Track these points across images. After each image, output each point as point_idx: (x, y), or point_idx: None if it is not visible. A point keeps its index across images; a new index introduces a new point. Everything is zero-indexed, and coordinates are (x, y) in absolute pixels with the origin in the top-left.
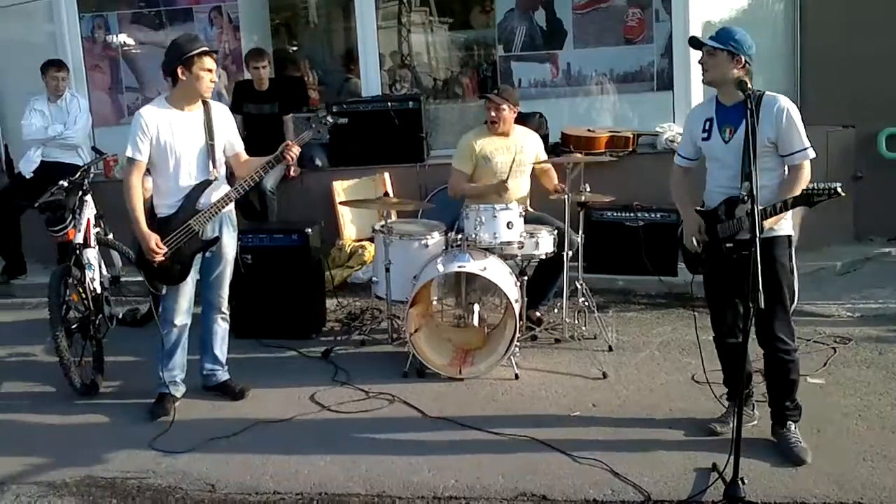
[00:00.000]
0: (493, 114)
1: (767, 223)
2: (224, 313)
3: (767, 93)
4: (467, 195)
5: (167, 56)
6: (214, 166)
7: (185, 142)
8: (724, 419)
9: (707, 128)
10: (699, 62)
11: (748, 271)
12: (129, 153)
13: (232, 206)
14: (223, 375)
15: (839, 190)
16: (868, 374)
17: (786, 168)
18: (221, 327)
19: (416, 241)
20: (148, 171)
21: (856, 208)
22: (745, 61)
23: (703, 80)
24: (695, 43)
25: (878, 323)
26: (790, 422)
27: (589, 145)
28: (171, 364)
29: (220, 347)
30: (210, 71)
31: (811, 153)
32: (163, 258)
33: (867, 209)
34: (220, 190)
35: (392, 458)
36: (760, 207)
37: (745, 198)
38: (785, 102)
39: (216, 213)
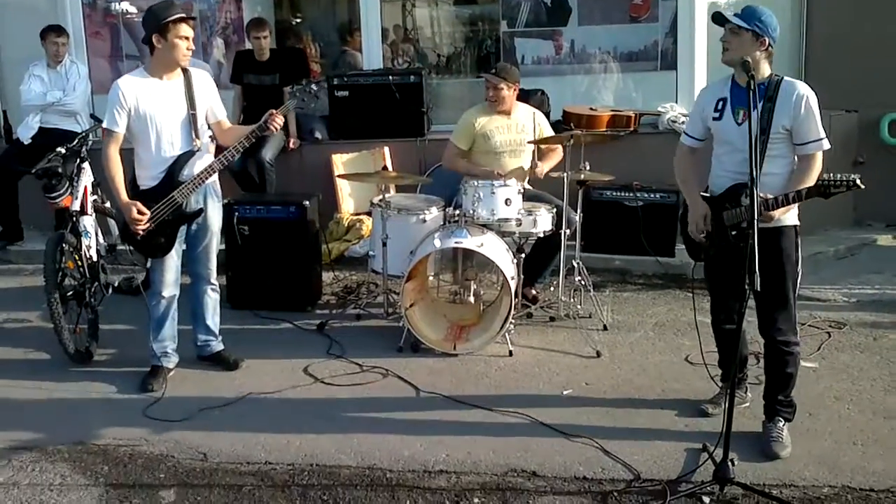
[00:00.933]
0: (491, 93)
1: (777, 213)
2: (213, 284)
3: (786, 78)
4: (460, 171)
5: (143, 24)
6: (197, 136)
7: (166, 112)
8: (716, 400)
9: (720, 107)
10: (721, 39)
11: (760, 258)
12: (105, 124)
13: (216, 176)
14: (217, 346)
15: (858, 182)
16: (861, 359)
17: (795, 157)
18: (212, 298)
19: (414, 216)
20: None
21: (855, 193)
22: (769, 43)
23: (722, 59)
24: (719, 19)
25: (874, 308)
26: (779, 417)
27: (590, 124)
28: (161, 335)
29: (213, 318)
30: (186, 38)
31: (826, 144)
32: (145, 228)
33: (867, 195)
34: (204, 160)
35: (384, 432)
36: (772, 196)
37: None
38: (804, 90)
39: (199, 184)
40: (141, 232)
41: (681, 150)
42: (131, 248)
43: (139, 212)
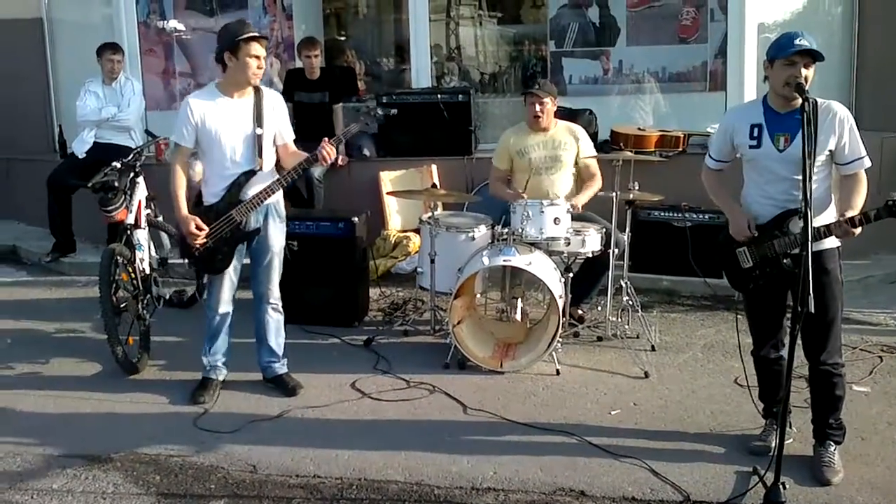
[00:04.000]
0: (537, 108)
1: (859, 230)
2: (274, 304)
3: (820, 100)
4: (499, 197)
5: (218, 42)
6: (260, 156)
7: (232, 130)
8: (763, 437)
9: (756, 134)
10: (806, 77)
11: (806, 272)
12: (174, 138)
13: (279, 197)
14: (280, 369)
15: None
16: None
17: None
18: (273, 318)
19: (463, 234)
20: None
21: None
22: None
23: (806, 94)
24: (814, 56)
25: None
26: (830, 441)
27: (639, 144)
28: (214, 349)
29: (275, 339)
30: (257, 57)
31: (867, 162)
32: (202, 243)
33: None
34: (267, 181)
35: (431, 448)
36: (849, 215)
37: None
38: (843, 110)
39: (257, 204)
40: (198, 246)
41: (705, 174)
42: (189, 262)
43: (197, 227)
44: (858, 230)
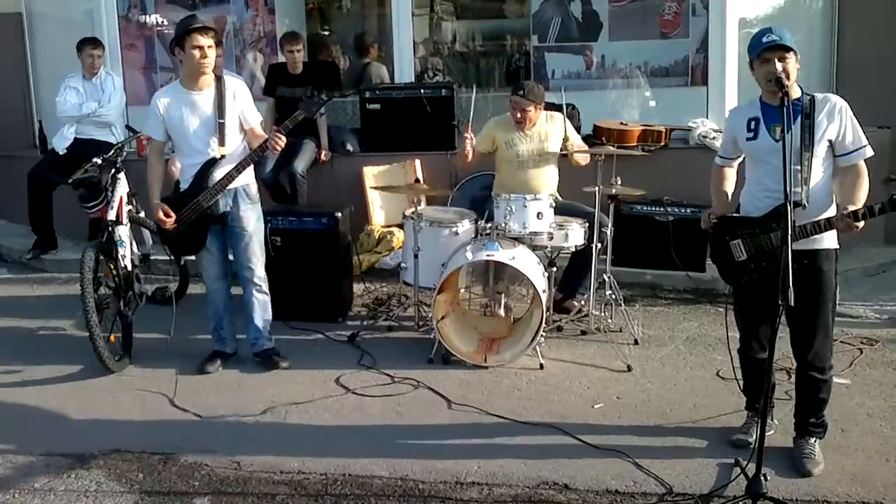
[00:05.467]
0: (518, 115)
1: (862, 224)
2: (258, 284)
3: (817, 94)
4: (461, 167)
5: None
6: (222, 144)
7: (194, 121)
8: (745, 429)
9: (753, 127)
10: (784, 69)
11: (800, 279)
12: (146, 132)
13: (247, 180)
14: (266, 343)
15: None
16: (894, 376)
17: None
18: (258, 299)
19: (446, 229)
20: None
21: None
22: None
23: (787, 88)
24: (785, 48)
25: None
26: (811, 437)
27: (621, 138)
28: (216, 324)
29: (261, 317)
30: (200, 48)
31: (869, 151)
32: (172, 228)
33: None
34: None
35: (415, 443)
36: (852, 208)
37: (806, 203)
38: (840, 101)
39: (221, 189)
40: (167, 227)
41: (716, 172)
42: (165, 246)
43: (166, 214)
44: (861, 224)
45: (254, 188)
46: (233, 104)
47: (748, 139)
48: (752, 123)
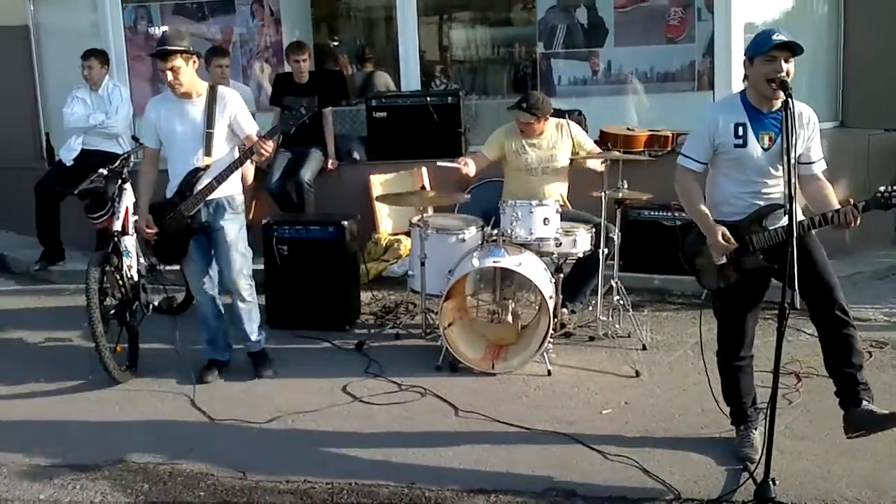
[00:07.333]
0: (522, 129)
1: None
2: (241, 294)
3: (790, 99)
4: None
5: None
6: (207, 154)
7: (182, 130)
8: (748, 443)
9: (741, 133)
10: (787, 71)
11: (791, 268)
12: (141, 139)
13: (231, 191)
14: (253, 347)
15: None
16: None
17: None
18: (242, 308)
19: (453, 236)
20: None
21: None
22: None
23: (790, 90)
24: (793, 50)
25: None
26: (864, 400)
27: (628, 144)
28: (206, 333)
29: (247, 324)
30: (165, 71)
31: (824, 163)
32: (152, 236)
33: None
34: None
35: (423, 451)
36: (819, 216)
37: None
38: (808, 109)
39: (201, 199)
40: (151, 240)
41: (685, 176)
42: (149, 253)
43: (147, 224)
44: (857, 222)
45: (239, 199)
46: (223, 113)
47: (736, 146)
48: (741, 129)
